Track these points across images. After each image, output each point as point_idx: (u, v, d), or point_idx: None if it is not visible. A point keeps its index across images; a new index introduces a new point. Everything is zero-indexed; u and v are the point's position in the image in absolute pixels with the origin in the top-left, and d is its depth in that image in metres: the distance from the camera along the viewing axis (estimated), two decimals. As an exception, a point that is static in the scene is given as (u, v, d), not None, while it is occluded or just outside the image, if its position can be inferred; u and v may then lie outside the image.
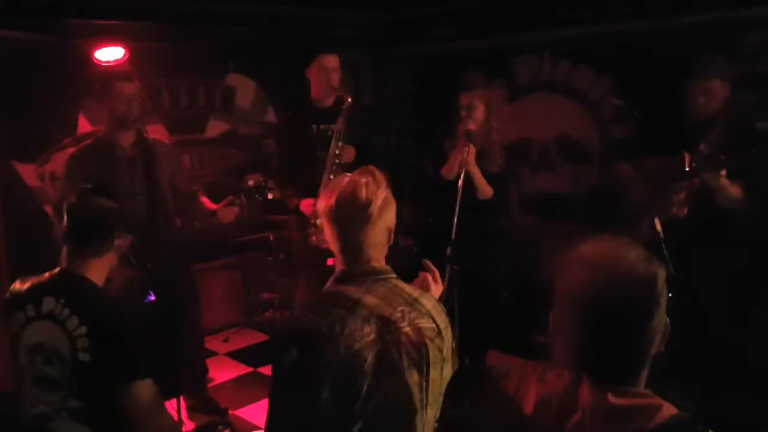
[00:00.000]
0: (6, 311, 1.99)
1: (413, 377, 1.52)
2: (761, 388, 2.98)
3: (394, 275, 1.64)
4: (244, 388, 3.92)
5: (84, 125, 3.97)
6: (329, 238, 1.64)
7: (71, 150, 3.35)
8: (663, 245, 2.72)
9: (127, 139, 3.20)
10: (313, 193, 3.44)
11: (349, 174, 1.66)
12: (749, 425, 2.80)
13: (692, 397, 2.77)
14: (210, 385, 3.85)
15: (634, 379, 1.16)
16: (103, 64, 3.65)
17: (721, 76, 3.06)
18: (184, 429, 2.97)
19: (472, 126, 3.22)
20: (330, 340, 1.48)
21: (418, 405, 1.53)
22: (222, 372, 4.11)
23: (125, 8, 3.86)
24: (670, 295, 2.97)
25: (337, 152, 3.41)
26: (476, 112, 3.28)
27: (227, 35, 4.46)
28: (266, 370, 4.18)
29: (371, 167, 1.66)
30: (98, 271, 1.98)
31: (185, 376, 3.41)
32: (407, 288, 1.63)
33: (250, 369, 4.20)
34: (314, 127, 3.57)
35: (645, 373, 1.17)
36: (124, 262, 2.97)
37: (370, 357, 1.49)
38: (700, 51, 3.35)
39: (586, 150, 4.39)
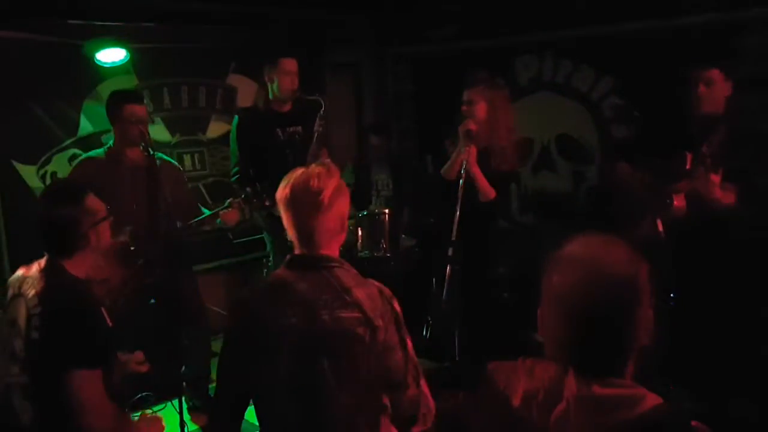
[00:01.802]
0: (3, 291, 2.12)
1: (325, 363, 1.63)
2: (761, 387, 2.98)
3: (339, 264, 1.74)
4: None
5: (85, 127, 3.96)
6: (286, 224, 1.76)
7: (73, 150, 3.37)
8: (664, 245, 2.73)
9: (134, 151, 3.25)
10: None
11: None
12: (746, 421, 2.80)
13: (693, 396, 2.79)
14: (211, 385, 3.84)
15: (619, 371, 1.19)
16: (105, 65, 3.67)
17: (722, 67, 3.04)
18: (186, 430, 2.97)
19: (473, 126, 3.19)
20: (257, 315, 1.68)
21: (327, 390, 1.63)
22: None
23: (126, 9, 3.86)
24: (671, 295, 2.98)
25: (317, 153, 3.49)
26: (477, 110, 3.26)
27: (228, 36, 4.46)
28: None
29: (326, 161, 1.79)
30: (77, 265, 2.05)
31: (187, 379, 3.40)
32: (346, 277, 1.72)
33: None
34: (279, 130, 3.61)
35: (631, 366, 1.20)
36: (121, 262, 3.00)
37: (290, 339, 1.64)
38: (702, 50, 3.36)
39: (586, 150, 4.39)
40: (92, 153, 3.38)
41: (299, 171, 1.76)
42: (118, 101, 3.25)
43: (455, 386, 1.59)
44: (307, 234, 1.72)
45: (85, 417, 1.88)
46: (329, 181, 1.72)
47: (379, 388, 1.69)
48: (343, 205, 1.76)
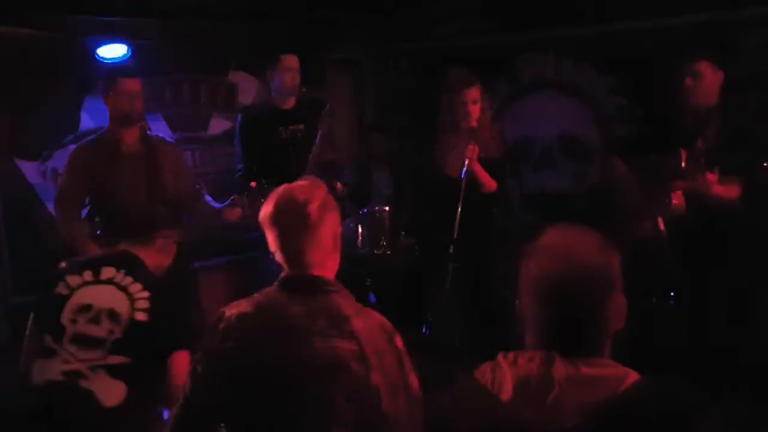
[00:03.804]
0: (55, 277, 2.14)
1: (317, 395, 1.46)
2: (761, 387, 2.98)
3: (337, 289, 1.59)
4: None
5: (86, 122, 3.96)
6: (272, 247, 1.60)
7: (74, 146, 3.35)
8: (666, 244, 2.73)
9: (130, 136, 3.20)
10: None
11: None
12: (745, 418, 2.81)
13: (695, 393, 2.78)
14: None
15: (599, 352, 1.26)
16: (106, 62, 3.67)
17: (709, 59, 3.01)
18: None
19: (475, 123, 3.21)
20: (241, 340, 1.51)
21: (317, 422, 1.46)
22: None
23: (127, 4, 3.85)
24: (671, 293, 2.98)
25: (319, 152, 3.51)
26: (477, 108, 3.28)
27: (229, 33, 4.45)
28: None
29: (311, 176, 1.71)
30: (148, 256, 2.23)
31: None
32: (344, 304, 1.56)
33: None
34: (281, 128, 3.61)
35: (608, 346, 1.27)
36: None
37: (277, 369, 1.48)
38: (697, 49, 3.35)
39: (588, 148, 4.39)
40: (83, 142, 3.30)
41: (282, 187, 1.62)
42: (110, 76, 3.19)
43: (437, 391, 1.54)
44: (295, 253, 1.57)
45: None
46: (315, 193, 1.58)
47: None
48: (333, 221, 1.61)
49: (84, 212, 3.27)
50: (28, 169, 3.78)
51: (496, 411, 1.26)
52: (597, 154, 4.36)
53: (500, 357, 1.33)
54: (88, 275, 2.11)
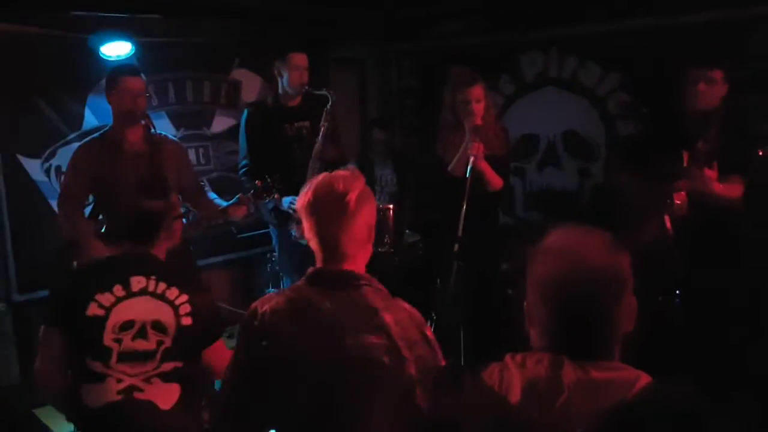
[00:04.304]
0: (70, 295, 2.07)
1: (351, 389, 1.48)
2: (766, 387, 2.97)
3: (368, 282, 1.59)
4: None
5: (90, 120, 3.96)
6: (308, 234, 1.62)
7: (77, 144, 3.35)
8: (673, 244, 2.72)
9: (134, 134, 3.20)
10: (295, 191, 3.50)
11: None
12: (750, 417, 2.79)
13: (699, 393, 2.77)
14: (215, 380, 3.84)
15: (609, 355, 1.23)
16: (110, 59, 3.67)
17: (725, 68, 3.03)
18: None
19: (479, 121, 3.21)
20: (274, 335, 1.54)
21: (353, 416, 1.48)
22: (227, 367, 4.10)
23: (131, 2, 3.85)
24: (677, 292, 2.97)
25: (322, 149, 3.52)
26: (481, 106, 3.28)
27: (233, 30, 4.45)
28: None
29: (351, 167, 1.70)
30: (159, 249, 2.21)
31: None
32: (375, 298, 1.56)
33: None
34: (287, 125, 3.61)
35: (618, 349, 1.25)
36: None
37: (310, 363, 1.50)
38: (705, 48, 3.34)
39: (592, 147, 4.38)
40: (87, 140, 3.27)
41: (321, 176, 1.62)
42: (113, 74, 3.17)
43: (457, 386, 1.53)
44: (331, 243, 1.57)
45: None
46: (354, 184, 1.58)
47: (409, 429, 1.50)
48: (369, 212, 1.61)
49: (87, 210, 3.28)
50: (32, 166, 3.78)
51: (503, 413, 1.24)
52: (601, 152, 4.35)
53: (508, 358, 1.31)
54: (118, 290, 2.03)
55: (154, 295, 2.04)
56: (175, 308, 2.04)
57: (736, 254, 3.04)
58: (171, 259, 2.27)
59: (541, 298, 1.25)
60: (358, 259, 1.61)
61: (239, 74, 4.67)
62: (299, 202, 1.62)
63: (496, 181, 3.26)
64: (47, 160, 3.84)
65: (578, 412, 1.16)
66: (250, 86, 4.69)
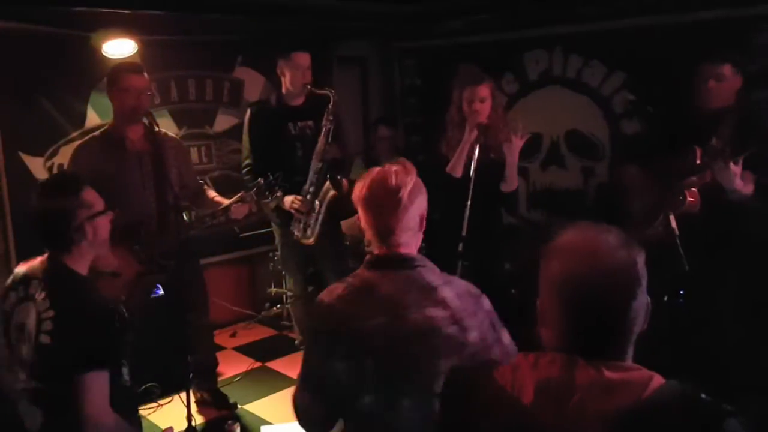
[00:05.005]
0: (4, 293, 2.06)
1: (419, 363, 1.58)
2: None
3: (423, 263, 1.70)
4: (253, 383, 3.92)
5: (92, 118, 3.95)
6: (364, 224, 1.73)
7: (78, 142, 3.35)
8: (678, 242, 2.70)
9: (135, 132, 3.19)
10: (296, 190, 3.51)
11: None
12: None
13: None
14: (218, 379, 3.84)
15: (623, 355, 1.22)
16: (112, 57, 3.66)
17: (733, 62, 3.01)
18: (193, 423, 2.96)
19: (483, 120, 3.20)
20: (342, 318, 1.63)
21: (422, 389, 1.58)
22: (230, 367, 4.10)
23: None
24: (681, 291, 2.94)
25: (324, 149, 3.51)
26: (485, 105, 3.26)
27: (235, 28, 4.43)
28: (274, 364, 4.17)
29: (402, 159, 1.76)
30: (78, 260, 2.03)
31: (195, 370, 3.40)
32: (432, 276, 1.68)
33: (259, 364, 4.19)
34: (290, 125, 3.61)
35: (632, 349, 1.24)
36: (133, 255, 3.00)
37: (378, 339, 1.59)
38: (714, 46, 3.32)
39: (597, 146, 4.36)
40: (87, 137, 3.26)
41: (375, 170, 1.72)
42: (116, 72, 3.17)
43: (454, 391, 1.53)
44: (386, 234, 1.68)
45: (91, 420, 1.85)
46: (407, 178, 1.68)
47: None
48: (421, 203, 1.72)
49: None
50: (35, 164, 3.78)
51: (516, 414, 1.23)
52: (605, 151, 4.33)
53: (520, 358, 1.31)
54: (21, 291, 2.01)
55: (33, 301, 1.94)
56: (39, 322, 1.90)
57: (742, 253, 3.02)
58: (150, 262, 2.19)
59: (556, 297, 1.24)
60: (411, 244, 1.72)
61: (242, 73, 4.66)
62: (355, 193, 1.73)
63: (514, 180, 3.30)
64: (50, 158, 3.84)
65: (592, 413, 1.15)
66: (253, 85, 4.69)
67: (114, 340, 1.96)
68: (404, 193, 1.66)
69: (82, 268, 2.04)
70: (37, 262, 2.05)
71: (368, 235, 1.74)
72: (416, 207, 1.70)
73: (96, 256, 2.10)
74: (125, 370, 2.05)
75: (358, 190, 1.72)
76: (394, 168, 1.70)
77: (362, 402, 1.62)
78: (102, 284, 2.15)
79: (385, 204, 1.67)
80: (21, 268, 2.07)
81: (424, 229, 1.75)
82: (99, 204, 2.07)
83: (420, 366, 1.58)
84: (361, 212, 1.73)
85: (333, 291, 1.70)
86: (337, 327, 1.64)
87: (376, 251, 1.72)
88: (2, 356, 2.04)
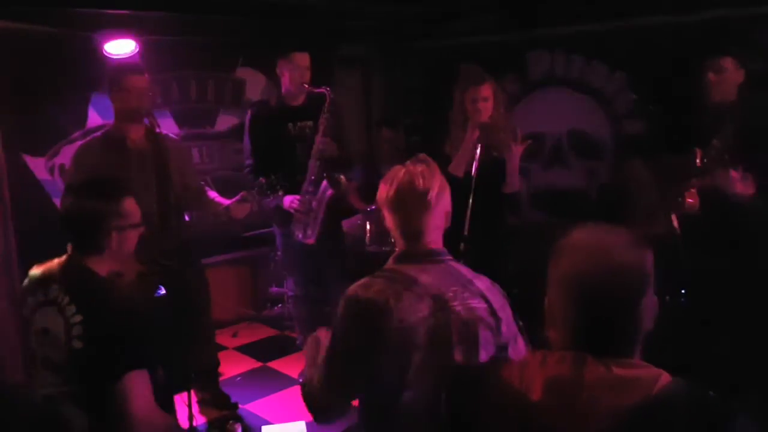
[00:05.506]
0: (21, 296, 2.04)
1: (462, 354, 1.60)
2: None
3: (450, 257, 1.73)
4: (254, 383, 3.91)
5: (94, 118, 3.95)
6: (391, 225, 1.74)
7: (80, 142, 3.34)
8: (679, 242, 2.70)
9: (136, 132, 3.19)
10: (298, 190, 3.51)
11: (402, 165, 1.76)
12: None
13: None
14: (220, 379, 3.84)
15: (631, 353, 1.24)
16: (113, 57, 3.65)
17: (733, 54, 3.00)
18: (194, 423, 2.95)
19: (485, 119, 3.20)
20: (385, 312, 1.59)
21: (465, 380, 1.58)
22: (231, 366, 4.10)
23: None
24: (682, 291, 2.93)
25: (321, 147, 3.51)
26: (488, 105, 3.26)
27: (237, 29, 4.43)
28: (276, 364, 4.17)
29: (423, 156, 1.75)
30: (100, 263, 2.01)
31: (196, 370, 3.39)
32: (462, 269, 1.72)
33: (260, 363, 4.19)
34: (290, 125, 3.61)
35: (639, 347, 1.25)
36: (135, 256, 2.99)
37: (421, 331, 1.59)
38: (716, 46, 3.31)
39: (599, 146, 4.35)
40: (89, 138, 3.25)
41: (401, 171, 1.72)
42: (117, 72, 3.16)
43: (463, 388, 1.54)
44: (416, 235, 1.70)
45: (141, 420, 1.86)
46: (433, 180, 1.69)
47: None
48: (447, 202, 1.74)
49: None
50: (36, 165, 3.78)
51: (524, 411, 1.23)
52: (607, 151, 4.32)
53: (528, 355, 1.33)
54: (40, 296, 1.97)
55: (58, 306, 1.92)
56: (68, 327, 1.88)
57: (743, 253, 3.01)
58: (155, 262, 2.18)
59: (566, 294, 1.25)
60: (438, 240, 1.74)
61: (243, 73, 4.66)
62: (381, 194, 1.73)
63: (517, 183, 3.30)
64: (51, 158, 3.84)
65: (600, 410, 1.16)
66: (254, 85, 4.69)
67: (146, 338, 1.95)
68: (432, 195, 1.67)
69: (103, 270, 2.03)
70: (54, 263, 2.02)
71: (395, 235, 1.74)
72: (442, 206, 1.71)
73: (118, 264, 2.09)
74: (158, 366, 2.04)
75: (384, 192, 1.72)
76: (419, 169, 1.70)
77: (401, 396, 1.61)
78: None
79: (414, 207, 1.68)
80: (36, 271, 2.05)
81: (449, 225, 1.77)
82: (136, 216, 2.08)
83: (461, 357, 1.60)
84: (387, 214, 1.73)
85: (368, 286, 1.66)
86: (381, 322, 1.60)
87: (404, 248, 1.72)
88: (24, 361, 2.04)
